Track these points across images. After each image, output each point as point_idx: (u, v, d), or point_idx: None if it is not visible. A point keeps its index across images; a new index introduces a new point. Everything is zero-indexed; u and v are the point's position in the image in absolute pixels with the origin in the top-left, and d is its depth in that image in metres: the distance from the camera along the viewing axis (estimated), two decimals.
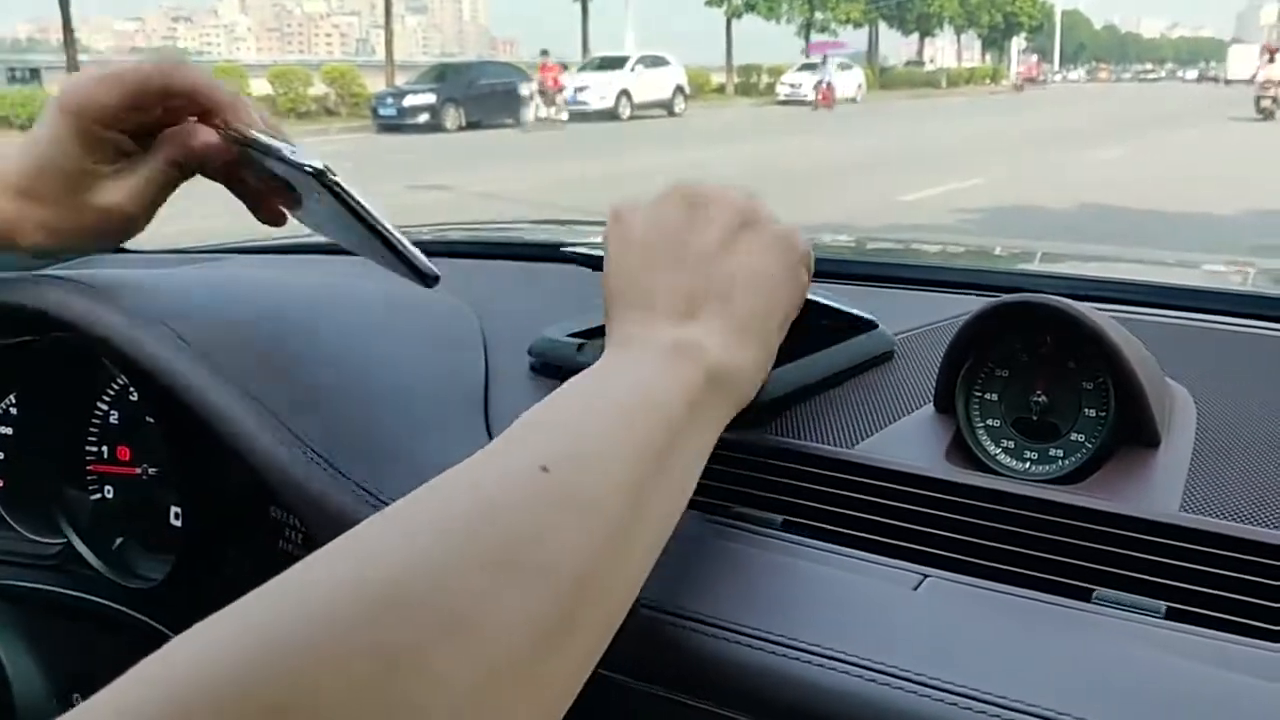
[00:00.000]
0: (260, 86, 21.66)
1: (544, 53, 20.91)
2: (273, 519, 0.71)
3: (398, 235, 0.55)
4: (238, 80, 20.86)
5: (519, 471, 0.38)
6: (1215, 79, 62.10)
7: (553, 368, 0.68)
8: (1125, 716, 0.39)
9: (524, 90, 19.70)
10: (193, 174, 0.60)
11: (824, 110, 24.71)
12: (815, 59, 32.99)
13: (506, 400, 0.65)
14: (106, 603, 0.77)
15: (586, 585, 0.37)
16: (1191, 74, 65.67)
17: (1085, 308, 0.55)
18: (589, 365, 0.65)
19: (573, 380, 0.45)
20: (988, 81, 50.87)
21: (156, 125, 0.58)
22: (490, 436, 0.61)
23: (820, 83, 26.13)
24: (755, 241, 0.51)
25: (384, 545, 0.35)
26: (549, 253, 0.92)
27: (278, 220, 0.63)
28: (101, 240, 0.60)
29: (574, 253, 0.66)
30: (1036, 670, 0.41)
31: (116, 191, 0.57)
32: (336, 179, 0.53)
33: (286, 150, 0.55)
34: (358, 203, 0.54)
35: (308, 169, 0.53)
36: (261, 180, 0.60)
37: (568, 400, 0.44)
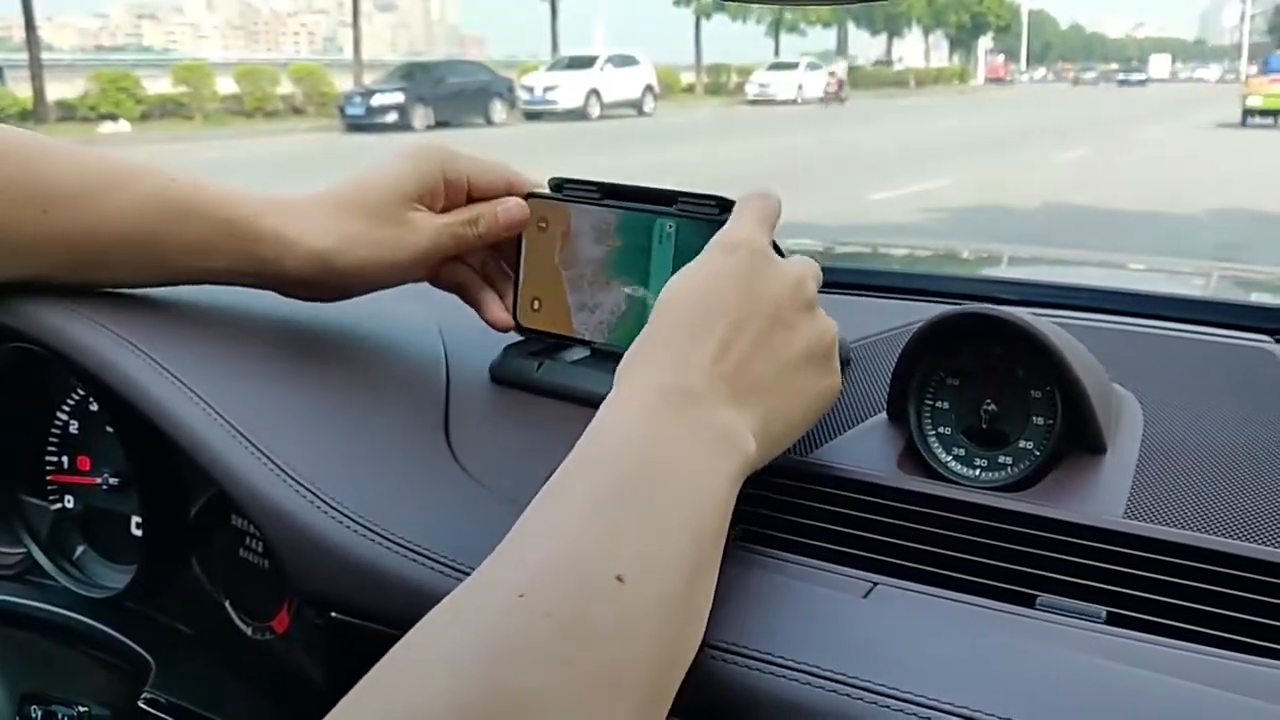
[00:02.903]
0: (226, 85, 21.47)
1: None
2: (234, 528, 0.71)
3: None
4: (203, 79, 20.72)
5: (599, 586, 0.39)
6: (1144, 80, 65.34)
7: (512, 383, 0.68)
8: None
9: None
10: (475, 247, 0.69)
11: (796, 109, 24.82)
12: (786, 59, 33.12)
13: (467, 415, 0.66)
14: (66, 613, 0.76)
15: (668, 682, 0.40)
16: (1138, 76, 67.96)
17: (1033, 319, 0.57)
18: (548, 383, 0.66)
19: (620, 443, 0.45)
20: (955, 81, 51.41)
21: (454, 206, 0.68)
22: (453, 453, 0.62)
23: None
24: (824, 374, 0.53)
25: (484, 676, 0.35)
26: None
27: (500, 324, 0.69)
28: (398, 272, 0.68)
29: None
30: (981, 676, 0.42)
31: (425, 223, 0.66)
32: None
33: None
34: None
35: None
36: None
37: (624, 481, 0.43)
